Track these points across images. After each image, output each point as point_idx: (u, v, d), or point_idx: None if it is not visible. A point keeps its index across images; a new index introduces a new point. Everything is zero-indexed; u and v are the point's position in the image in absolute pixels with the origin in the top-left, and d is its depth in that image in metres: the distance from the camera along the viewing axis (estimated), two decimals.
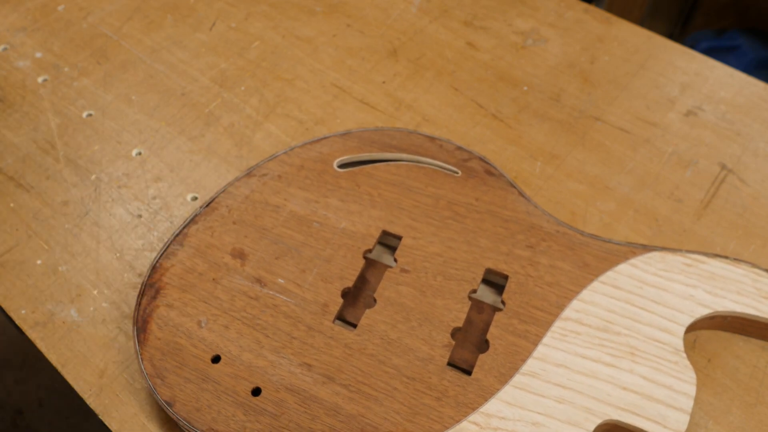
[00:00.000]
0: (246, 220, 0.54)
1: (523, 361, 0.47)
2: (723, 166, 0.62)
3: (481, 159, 0.58)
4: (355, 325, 0.50)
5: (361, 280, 0.53)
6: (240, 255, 0.52)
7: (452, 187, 0.56)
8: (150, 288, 0.50)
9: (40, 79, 0.67)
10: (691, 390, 0.46)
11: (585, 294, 0.50)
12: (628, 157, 0.63)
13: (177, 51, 0.70)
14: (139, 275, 0.54)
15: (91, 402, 0.48)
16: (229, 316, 0.49)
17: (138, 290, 0.51)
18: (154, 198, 0.59)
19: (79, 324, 0.52)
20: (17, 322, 0.52)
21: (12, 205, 0.58)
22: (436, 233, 0.53)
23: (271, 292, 0.50)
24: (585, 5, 0.76)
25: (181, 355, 0.47)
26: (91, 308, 0.53)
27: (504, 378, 0.46)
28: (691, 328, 0.50)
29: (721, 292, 0.50)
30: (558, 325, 0.49)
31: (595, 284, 0.50)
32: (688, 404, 0.45)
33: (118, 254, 0.55)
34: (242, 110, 0.65)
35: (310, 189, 0.56)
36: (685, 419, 0.45)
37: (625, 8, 1.28)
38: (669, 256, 0.52)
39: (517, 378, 0.46)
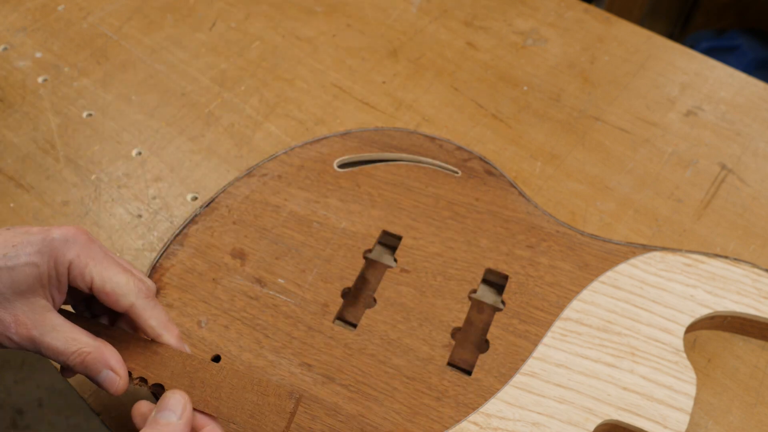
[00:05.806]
0: (246, 220, 0.54)
1: (524, 361, 0.47)
2: (723, 166, 0.62)
3: (481, 159, 0.58)
4: (355, 325, 0.50)
5: (361, 280, 0.53)
6: (240, 255, 0.52)
7: (452, 187, 0.56)
8: None
9: (40, 79, 0.67)
10: (691, 390, 0.46)
11: (585, 294, 0.50)
12: (628, 157, 0.63)
13: (177, 51, 0.70)
14: None
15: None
16: (229, 316, 0.49)
17: None
18: (154, 198, 0.59)
19: None
20: None
21: (12, 205, 0.58)
22: (436, 233, 0.53)
23: (271, 292, 0.50)
24: (585, 5, 0.76)
25: None
26: None
27: (504, 378, 0.46)
28: (691, 328, 0.50)
29: (721, 292, 0.50)
30: (558, 325, 0.49)
31: (596, 284, 0.50)
32: (688, 404, 0.45)
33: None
34: (242, 110, 0.65)
35: (310, 189, 0.56)
36: (685, 419, 0.45)
37: (625, 8, 1.28)
38: (669, 256, 0.52)
39: (518, 378, 0.46)
